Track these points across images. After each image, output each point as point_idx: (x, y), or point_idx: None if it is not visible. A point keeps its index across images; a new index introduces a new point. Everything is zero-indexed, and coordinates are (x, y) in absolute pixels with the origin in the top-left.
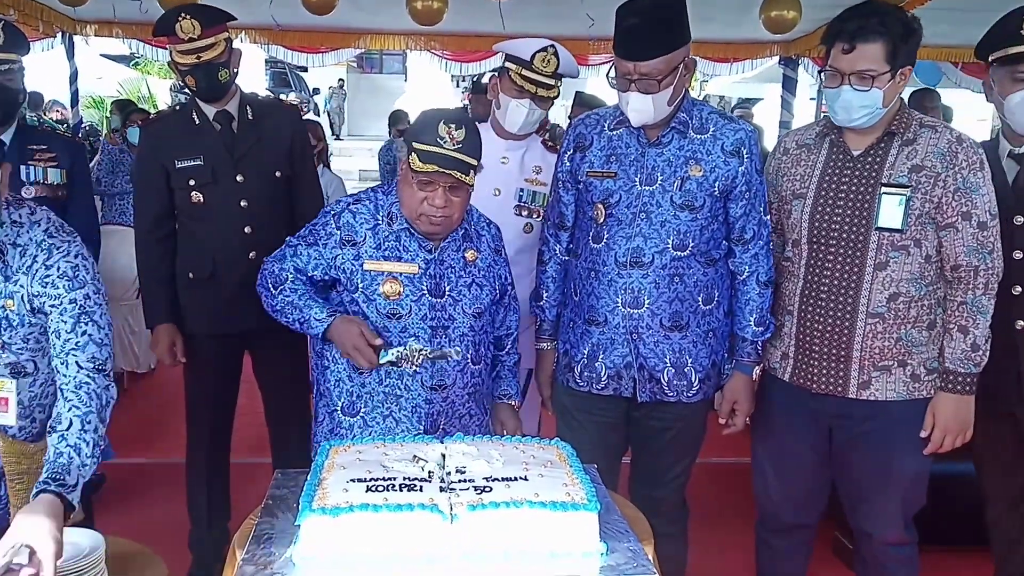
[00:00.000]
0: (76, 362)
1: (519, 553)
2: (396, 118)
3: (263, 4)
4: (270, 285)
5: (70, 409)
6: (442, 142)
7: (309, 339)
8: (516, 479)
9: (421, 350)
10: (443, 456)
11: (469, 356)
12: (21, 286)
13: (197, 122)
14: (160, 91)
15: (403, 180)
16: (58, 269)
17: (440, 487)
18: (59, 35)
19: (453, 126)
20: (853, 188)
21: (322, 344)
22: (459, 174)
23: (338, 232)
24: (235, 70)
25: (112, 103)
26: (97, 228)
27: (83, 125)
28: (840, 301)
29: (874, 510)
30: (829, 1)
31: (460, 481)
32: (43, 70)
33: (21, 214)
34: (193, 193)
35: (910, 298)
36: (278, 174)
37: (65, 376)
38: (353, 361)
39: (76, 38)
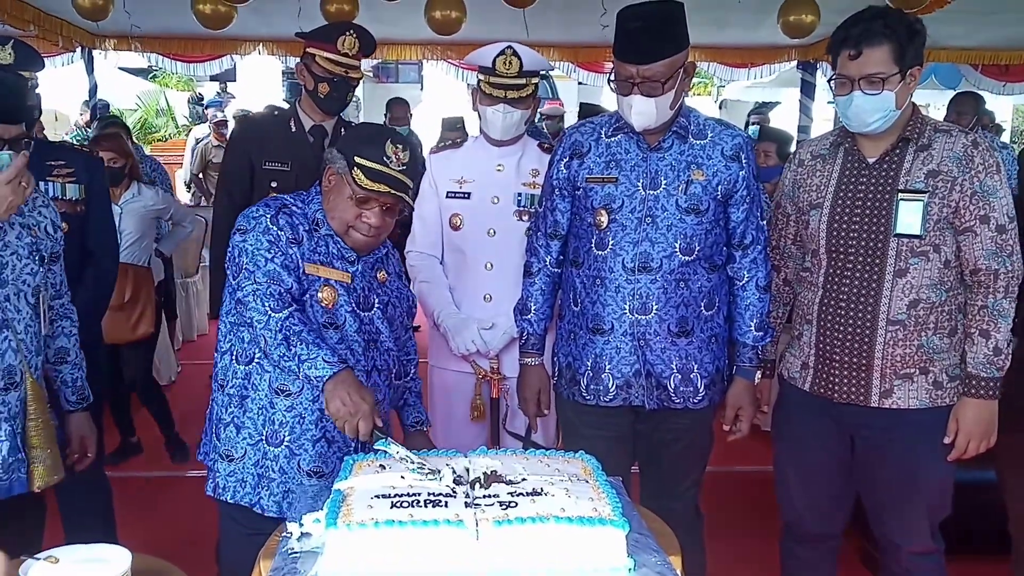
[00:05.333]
0: None
1: (545, 569)
2: (452, 124)
3: (281, 15)
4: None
5: None
6: (388, 161)
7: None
8: (542, 493)
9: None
10: (467, 470)
11: (393, 371)
12: None
13: (293, 130)
14: (178, 103)
15: (335, 191)
16: None
17: (465, 502)
18: (78, 49)
19: (400, 147)
20: (870, 196)
21: (237, 369)
22: (405, 196)
23: (283, 233)
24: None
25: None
26: (116, 242)
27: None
28: (860, 309)
29: (899, 520)
30: (848, 5)
31: (485, 496)
32: (63, 85)
33: None
34: (272, 195)
35: (930, 304)
36: None
37: None
38: (340, 422)
39: (95, 52)
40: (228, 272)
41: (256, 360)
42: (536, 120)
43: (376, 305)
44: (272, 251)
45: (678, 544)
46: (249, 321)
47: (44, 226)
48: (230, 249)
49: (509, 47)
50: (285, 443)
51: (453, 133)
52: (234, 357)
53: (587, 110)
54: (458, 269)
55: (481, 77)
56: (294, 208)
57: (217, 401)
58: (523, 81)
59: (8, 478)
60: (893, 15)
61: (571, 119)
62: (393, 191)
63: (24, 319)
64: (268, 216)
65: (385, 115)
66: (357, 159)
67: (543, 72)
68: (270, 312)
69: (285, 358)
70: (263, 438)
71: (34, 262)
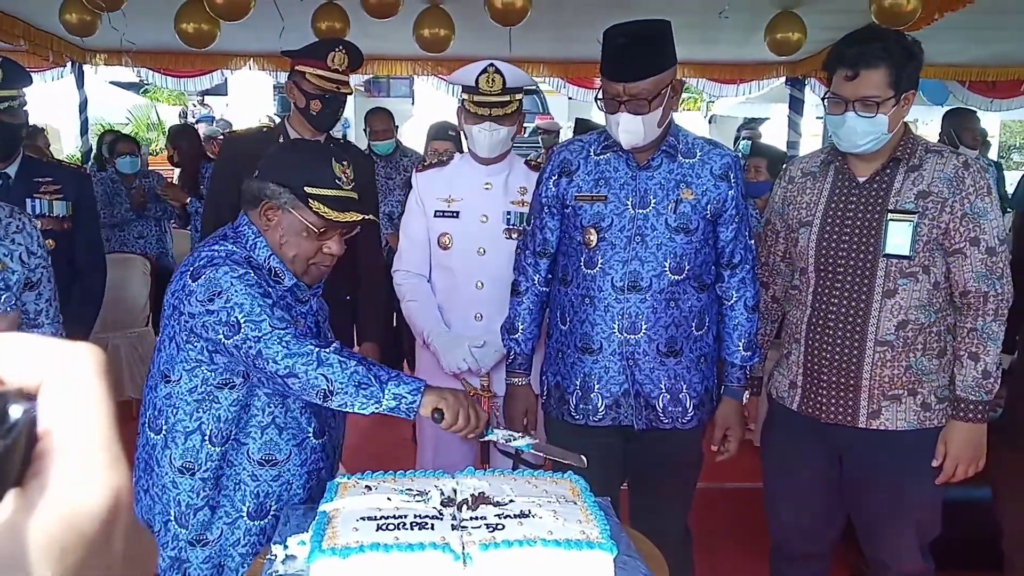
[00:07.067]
0: None
1: None
2: (442, 129)
3: (271, 31)
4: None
5: None
6: (341, 183)
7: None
8: (529, 515)
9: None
10: (455, 491)
11: None
12: None
13: None
14: (169, 118)
15: (287, 229)
16: None
17: (452, 525)
18: (69, 64)
19: (344, 163)
20: (859, 215)
21: (211, 451)
22: (372, 215)
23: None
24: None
25: (101, 136)
26: (103, 259)
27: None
28: (848, 329)
29: (889, 540)
30: (834, 23)
31: (472, 519)
32: (53, 99)
33: None
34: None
35: (919, 325)
36: None
37: None
38: (463, 431)
39: (85, 67)
40: (207, 337)
41: (232, 437)
42: (529, 134)
43: (325, 333)
44: (267, 299)
45: (667, 566)
46: (287, 369)
47: (19, 254)
48: (213, 313)
49: (491, 64)
50: (272, 512)
51: (441, 143)
52: (207, 439)
53: (583, 125)
54: (448, 288)
55: (465, 96)
56: (242, 263)
57: (181, 486)
58: (507, 98)
59: None
60: (891, 37)
61: (566, 134)
62: (362, 215)
63: None
64: (238, 273)
65: (364, 129)
66: (309, 189)
67: (527, 88)
68: (317, 347)
69: (363, 384)
70: (243, 514)
71: None
